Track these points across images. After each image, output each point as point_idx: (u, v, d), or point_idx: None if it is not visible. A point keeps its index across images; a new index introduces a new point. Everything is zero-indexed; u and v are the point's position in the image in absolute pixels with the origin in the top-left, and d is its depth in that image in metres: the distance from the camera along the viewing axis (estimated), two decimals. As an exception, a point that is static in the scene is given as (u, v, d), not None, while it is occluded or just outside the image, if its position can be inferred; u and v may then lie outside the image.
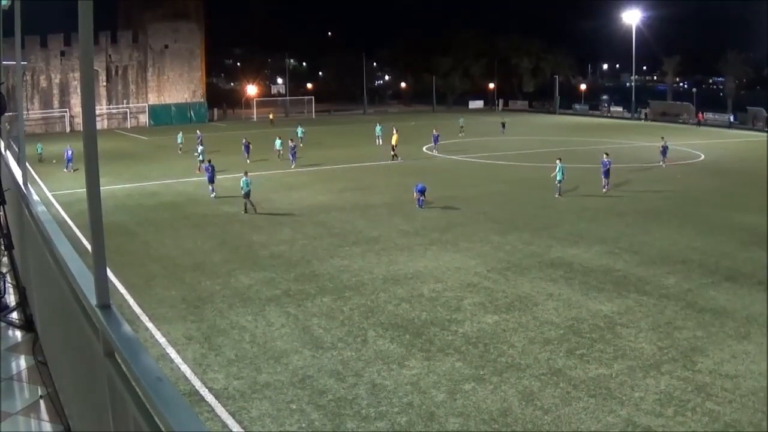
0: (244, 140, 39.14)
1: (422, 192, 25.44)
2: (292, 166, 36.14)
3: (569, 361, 11.85)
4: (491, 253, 19.11)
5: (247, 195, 24.79)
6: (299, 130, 47.25)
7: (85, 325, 3.11)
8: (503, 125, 55.63)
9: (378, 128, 47.67)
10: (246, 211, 24.66)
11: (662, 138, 37.18)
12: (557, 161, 27.73)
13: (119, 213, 24.91)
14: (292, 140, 38.52)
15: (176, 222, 23.78)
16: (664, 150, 36.19)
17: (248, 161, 36.27)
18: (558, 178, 27.13)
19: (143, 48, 69.54)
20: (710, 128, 64.61)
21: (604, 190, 28.26)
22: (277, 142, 39.71)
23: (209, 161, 29.35)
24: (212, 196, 27.75)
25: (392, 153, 38.96)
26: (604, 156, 28.96)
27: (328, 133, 57.85)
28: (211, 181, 28.04)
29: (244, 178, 25.05)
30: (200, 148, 36.37)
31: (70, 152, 35.98)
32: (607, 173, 28.49)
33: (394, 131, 40.54)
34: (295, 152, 36.91)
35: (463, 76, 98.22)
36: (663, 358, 11.98)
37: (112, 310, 2.82)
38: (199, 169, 32.92)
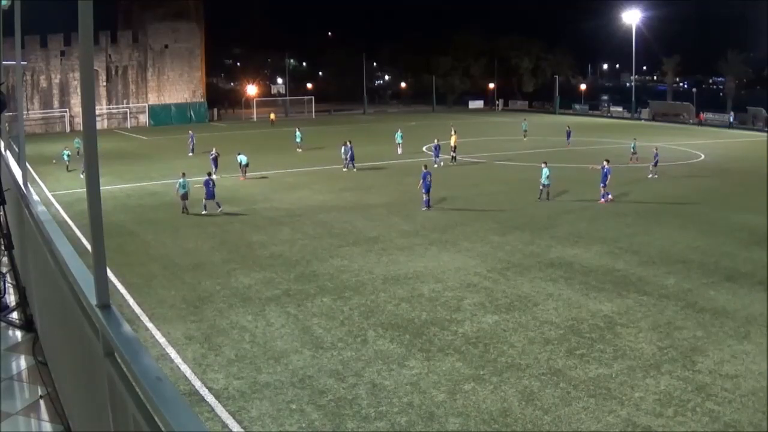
0: (214, 150, 34.04)
1: (428, 190, 25.00)
2: (347, 168, 35.33)
3: (569, 361, 11.85)
4: (491, 253, 19.11)
5: (184, 197, 24.81)
6: (298, 133, 45.67)
7: (85, 325, 3.11)
8: (569, 134, 47.82)
9: (398, 135, 42.89)
10: (183, 211, 24.69)
11: (656, 148, 34.55)
12: (543, 165, 26.99)
13: (119, 213, 24.92)
14: (350, 142, 36.25)
15: (176, 222, 23.78)
16: (656, 160, 32.99)
17: (214, 175, 32.93)
18: (544, 182, 26.53)
19: (143, 48, 69.52)
20: (710, 128, 64.66)
21: (602, 200, 26.15)
22: (343, 148, 36.00)
23: (209, 174, 26.06)
24: (202, 212, 24.50)
25: (452, 155, 37.69)
26: (605, 163, 26.69)
27: (328, 133, 57.83)
28: (212, 196, 24.77)
29: (180, 180, 25.10)
30: (240, 155, 32.97)
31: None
32: (605, 181, 26.17)
33: (453, 132, 39.68)
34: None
35: (463, 76, 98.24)
36: (663, 358, 11.98)
37: (112, 310, 2.82)
38: (244, 177, 32.21)
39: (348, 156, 35.60)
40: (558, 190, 28.24)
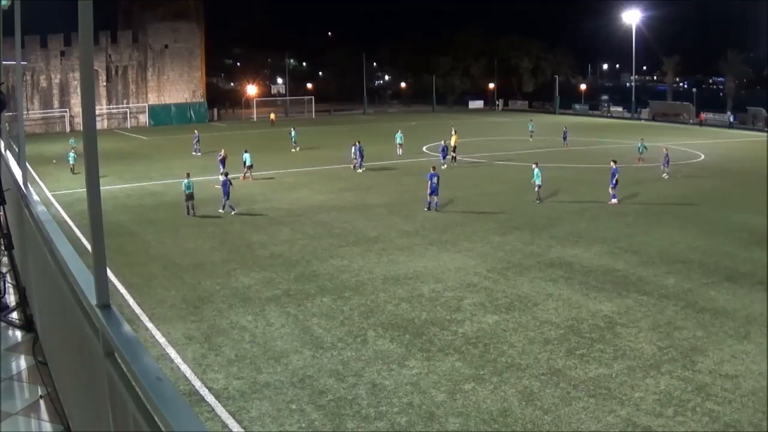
0: (222, 152, 33.26)
1: (435, 191, 24.76)
2: (353, 168, 35.33)
3: (569, 361, 11.84)
4: (491, 253, 19.11)
5: (189, 197, 24.63)
6: (293, 133, 45.68)
7: (85, 325, 3.11)
8: (565, 134, 47.49)
9: (398, 135, 42.37)
10: (188, 213, 24.44)
11: (665, 149, 34.19)
12: (533, 166, 26.98)
13: (119, 213, 24.92)
14: (359, 142, 36.08)
15: (176, 222, 23.77)
16: (667, 159, 32.98)
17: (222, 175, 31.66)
18: (537, 183, 26.47)
19: (143, 48, 69.51)
20: (710, 128, 64.68)
21: (612, 201, 26.01)
22: (353, 148, 36.01)
23: (226, 174, 26.12)
24: (231, 213, 24.50)
25: (453, 155, 37.27)
26: (612, 163, 26.53)
27: (328, 133, 57.85)
28: (226, 196, 24.80)
29: (185, 181, 24.92)
30: (246, 154, 33.08)
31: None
32: (614, 182, 26.03)
33: (453, 132, 39.50)
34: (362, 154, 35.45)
35: (463, 76, 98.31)
36: (663, 358, 11.98)
37: (112, 310, 2.82)
38: (245, 177, 32.07)
39: (357, 156, 35.42)
40: (558, 191, 28.25)
